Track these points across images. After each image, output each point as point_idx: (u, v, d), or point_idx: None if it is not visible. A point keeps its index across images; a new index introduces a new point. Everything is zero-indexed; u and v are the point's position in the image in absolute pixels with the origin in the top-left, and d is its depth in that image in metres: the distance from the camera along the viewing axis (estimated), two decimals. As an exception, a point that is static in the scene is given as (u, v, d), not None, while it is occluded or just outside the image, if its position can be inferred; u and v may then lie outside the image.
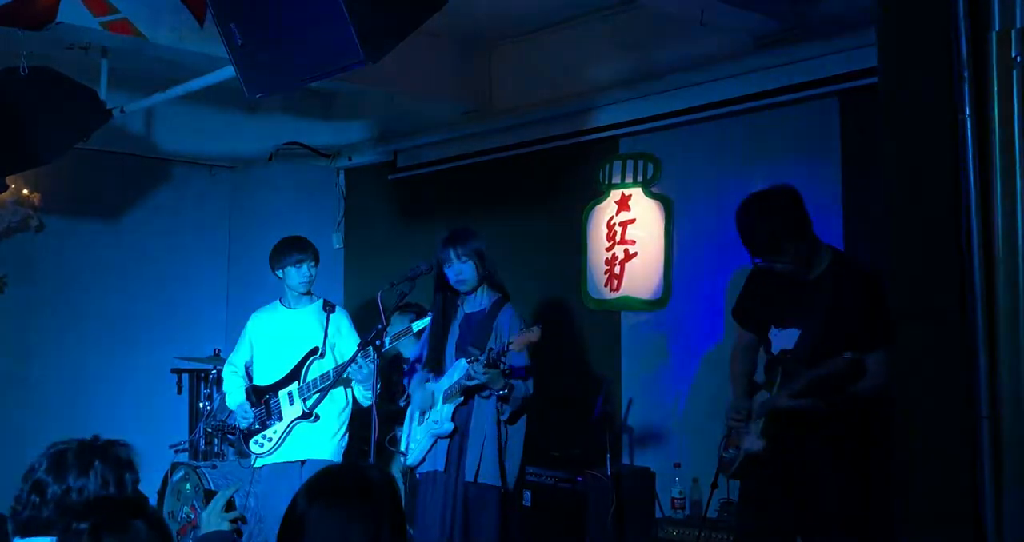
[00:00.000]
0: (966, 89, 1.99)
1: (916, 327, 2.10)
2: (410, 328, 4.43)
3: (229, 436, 5.82)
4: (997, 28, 2.00)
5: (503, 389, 3.83)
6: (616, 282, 5.48)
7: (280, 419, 4.66)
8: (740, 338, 3.79)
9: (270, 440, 4.66)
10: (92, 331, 6.64)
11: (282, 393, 4.69)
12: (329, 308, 4.76)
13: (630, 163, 5.48)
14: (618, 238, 5.48)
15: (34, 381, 6.43)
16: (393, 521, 2.06)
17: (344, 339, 4.72)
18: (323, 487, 2.08)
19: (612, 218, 5.52)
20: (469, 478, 3.87)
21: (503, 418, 3.91)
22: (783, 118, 4.84)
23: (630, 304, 5.44)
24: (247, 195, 7.24)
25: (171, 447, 6.07)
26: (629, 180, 5.48)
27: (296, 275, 4.69)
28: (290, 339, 4.74)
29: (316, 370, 4.63)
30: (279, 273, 4.74)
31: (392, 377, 5.22)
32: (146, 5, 4.63)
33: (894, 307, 2.15)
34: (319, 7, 3.03)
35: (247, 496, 5.24)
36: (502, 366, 3.75)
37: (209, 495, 5.14)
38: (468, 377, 3.83)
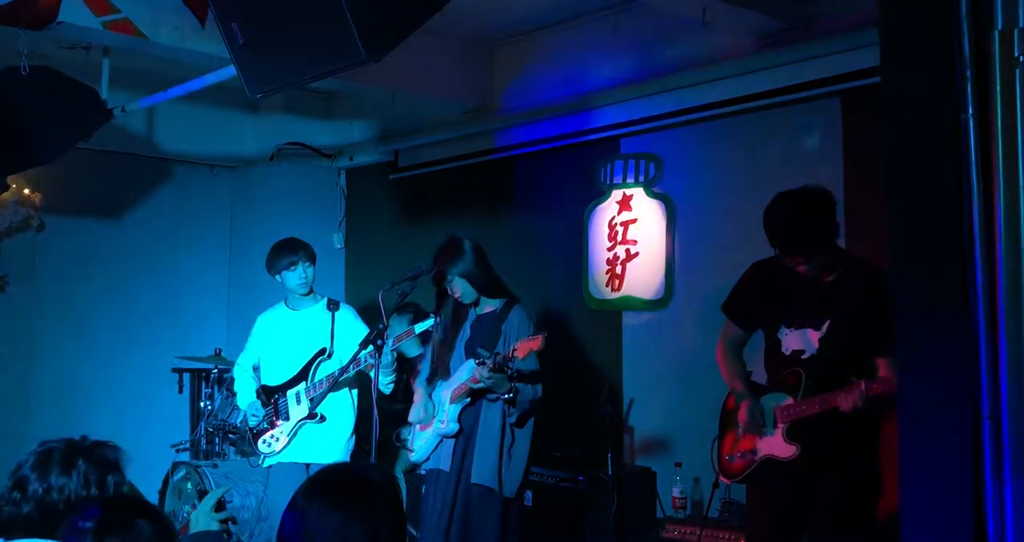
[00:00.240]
0: (968, 89, 1.99)
1: (918, 326, 2.10)
2: (412, 330, 4.44)
3: (230, 435, 5.83)
4: (1000, 27, 2.00)
5: (508, 393, 3.83)
6: (617, 282, 5.47)
7: (287, 419, 4.68)
8: (729, 334, 3.73)
9: (277, 440, 4.68)
10: (93, 330, 6.65)
11: (290, 393, 4.71)
12: (333, 306, 4.77)
13: (631, 163, 5.48)
14: (619, 238, 5.48)
15: (35, 380, 6.43)
16: (392, 521, 2.05)
17: (352, 337, 4.71)
18: (323, 486, 2.08)
19: (613, 218, 5.52)
20: (476, 480, 3.88)
21: (510, 421, 3.92)
22: (785, 118, 4.84)
23: (631, 304, 5.44)
24: (248, 195, 7.24)
25: (172, 446, 6.08)
26: (631, 180, 5.47)
27: (293, 277, 4.68)
28: (296, 340, 4.74)
29: (324, 371, 4.63)
30: (277, 278, 4.75)
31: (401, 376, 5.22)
32: (147, 5, 4.64)
33: (896, 307, 2.15)
34: (321, 6, 3.03)
35: (247, 496, 5.25)
36: (508, 371, 3.76)
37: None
38: (474, 380, 3.85)
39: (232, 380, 5.32)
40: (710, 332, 4.98)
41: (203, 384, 6.32)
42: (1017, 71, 1.97)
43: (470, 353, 4.01)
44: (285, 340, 4.78)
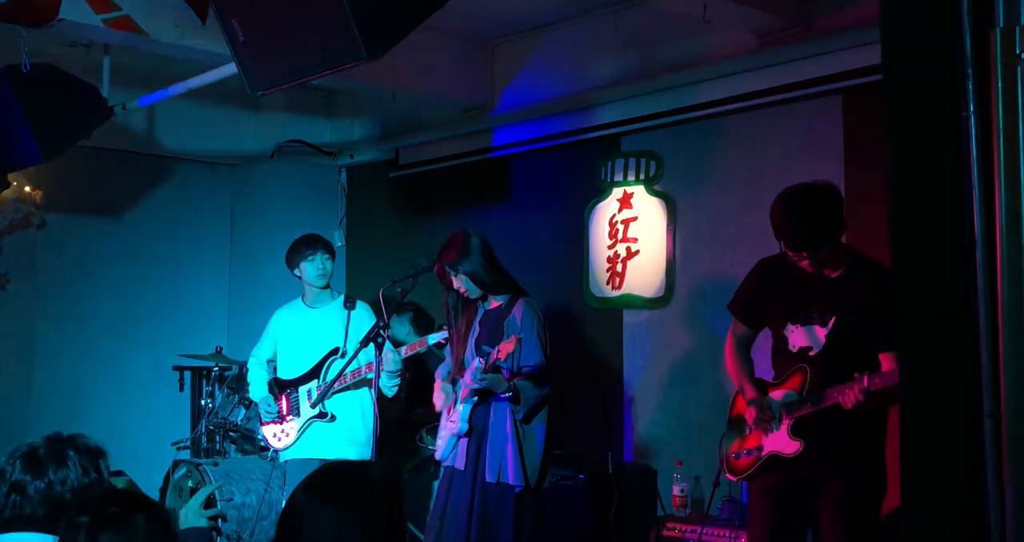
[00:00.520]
0: (969, 86, 1.98)
1: (918, 325, 2.09)
2: (426, 341, 4.45)
3: (231, 433, 5.83)
4: (1001, 25, 1.99)
5: (508, 391, 3.84)
6: (618, 280, 5.47)
7: (298, 415, 4.72)
8: (736, 333, 3.73)
9: (287, 434, 4.70)
10: (94, 328, 6.65)
11: (302, 389, 4.75)
12: (350, 304, 4.80)
13: (632, 161, 5.48)
14: (620, 236, 5.48)
15: (36, 378, 6.43)
16: (390, 519, 2.05)
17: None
18: (321, 483, 2.08)
19: (614, 216, 5.51)
20: (491, 479, 3.87)
21: (518, 418, 3.92)
22: (786, 116, 4.83)
23: (632, 302, 5.44)
24: (249, 193, 7.24)
25: (173, 444, 6.08)
26: (631, 178, 5.47)
27: (311, 268, 4.75)
28: (312, 338, 4.78)
29: (336, 370, 4.63)
30: (296, 271, 4.79)
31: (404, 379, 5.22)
32: (148, 2, 4.63)
33: (896, 305, 2.14)
34: (321, 3, 3.03)
35: (248, 493, 5.25)
36: (502, 371, 3.76)
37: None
38: (469, 381, 3.87)
39: (234, 376, 5.34)
40: (711, 330, 5.01)
41: (204, 382, 6.33)
42: (1018, 69, 1.96)
43: (478, 350, 4.03)
44: (301, 337, 4.82)
